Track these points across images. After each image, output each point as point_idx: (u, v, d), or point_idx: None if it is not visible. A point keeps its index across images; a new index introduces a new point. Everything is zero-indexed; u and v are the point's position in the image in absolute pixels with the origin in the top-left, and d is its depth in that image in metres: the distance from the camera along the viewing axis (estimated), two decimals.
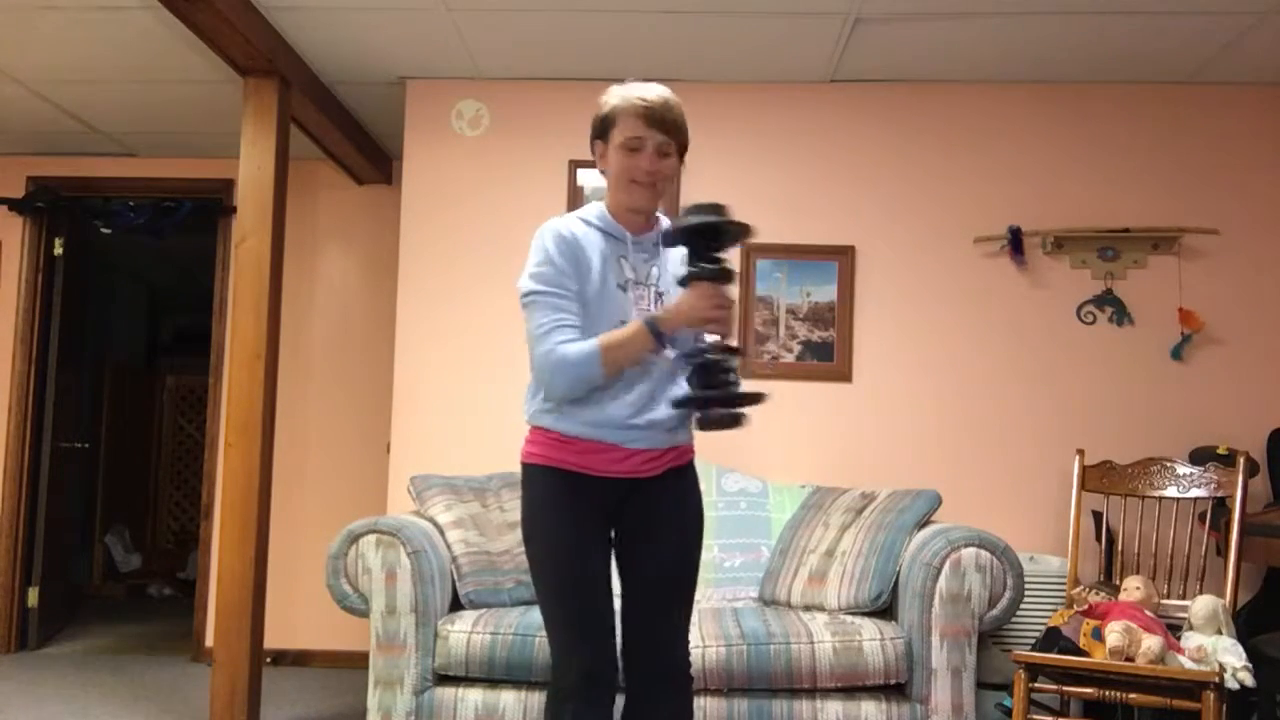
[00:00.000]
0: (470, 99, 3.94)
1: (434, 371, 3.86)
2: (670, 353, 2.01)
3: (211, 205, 4.92)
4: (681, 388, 2.05)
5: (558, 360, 1.96)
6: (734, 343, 1.97)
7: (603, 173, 2.11)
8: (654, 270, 2.11)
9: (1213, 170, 3.75)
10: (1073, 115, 3.81)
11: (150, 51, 3.67)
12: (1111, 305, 3.72)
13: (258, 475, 3.43)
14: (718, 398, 1.89)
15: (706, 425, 1.94)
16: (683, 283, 1.96)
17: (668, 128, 2.02)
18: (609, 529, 2.11)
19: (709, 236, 1.90)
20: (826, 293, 3.79)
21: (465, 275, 3.88)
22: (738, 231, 1.92)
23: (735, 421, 1.90)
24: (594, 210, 2.10)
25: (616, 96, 2.04)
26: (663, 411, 2.05)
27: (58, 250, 4.96)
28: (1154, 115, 3.79)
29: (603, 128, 2.06)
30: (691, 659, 2.15)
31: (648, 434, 2.04)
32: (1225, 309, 3.70)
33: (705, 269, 1.90)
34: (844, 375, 3.76)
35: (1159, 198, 3.76)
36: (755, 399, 1.93)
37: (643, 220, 2.10)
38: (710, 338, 1.94)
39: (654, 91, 2.03)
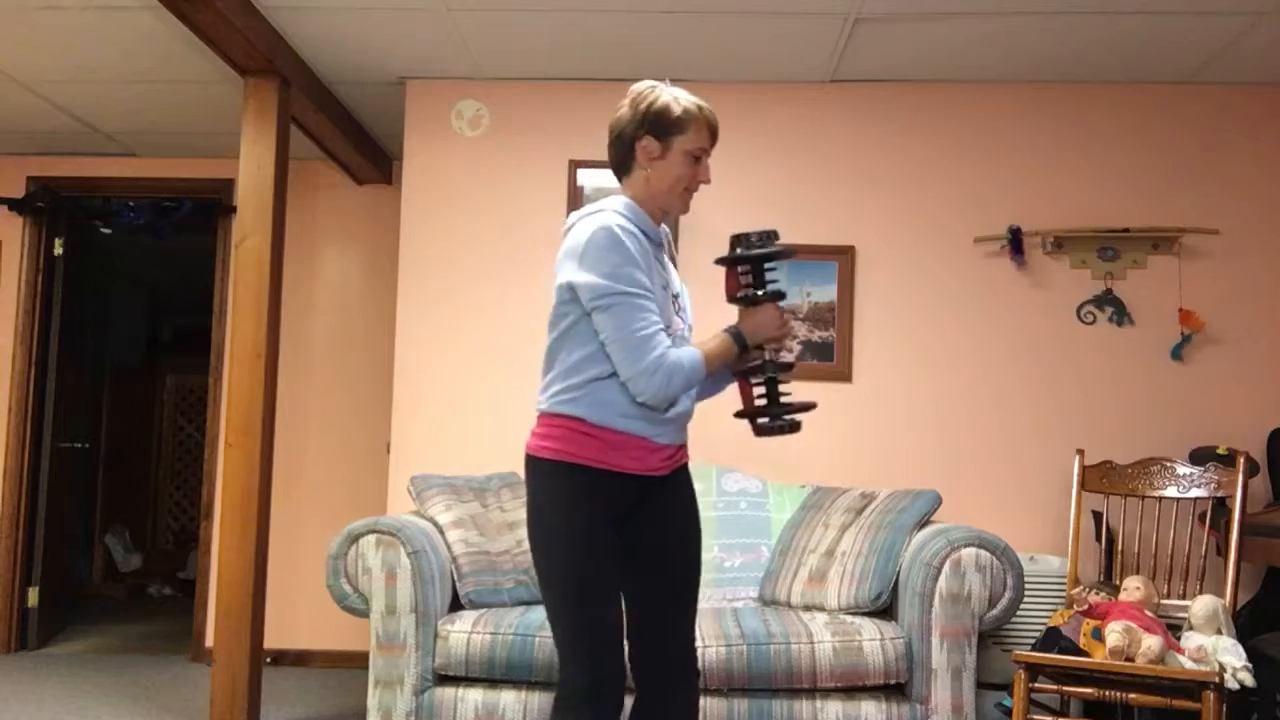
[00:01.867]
0: (470, 99, 3.94)
1: (434, 371, 3.86)
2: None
3: (211, 205, 4.92)
4: (709, 389, 2.19)
5: (672, 366, 1.94)
6: (790, 358, 2.11)
7: (641, 167, 2.05)
8: (672, 274, 2.15)
9: (1213, 170, 3.75)
10: (1073, 115, 3.81)
11: (150, 51, 3.67)
12: (1111, 305, 3.72)
13: (258, 475, 3.43)
14: (786, 408, 2.06)
15: (767, 432, 2.07)
16: (742, 300, 2.09)
17: (716, 143, 2.11)
18: (618, 530, 2.10)
19: (771, 261, 2.07)
20: (826, 293, 3.79)
21: (465, 275, 3.88)
22: (789, 257, 2.12)
23: (796, 428, 2.07)
24: (628, 209, 2.04)
25: (684, 100, 2.03)
26: (685, 404, 2.09)
27: (58, 250, 4.96)
28: (1154, 115, 3.79)
29: (666, 128, 2.02)
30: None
31: (672, 429, 2.07)
32: (1225, 309, 3.70)
33: (772, 291, 2.08)
34: (844, 375, 3.76)
35: (1159, 198, 3.76)
36: (810, 407, 2.08)
37: (659, 223, 2.12)
38: (768, 353, 2.10)
39: (710, 108, 2.08)
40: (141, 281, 7.34)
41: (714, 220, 3.83)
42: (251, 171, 3.50)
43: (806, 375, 3.77)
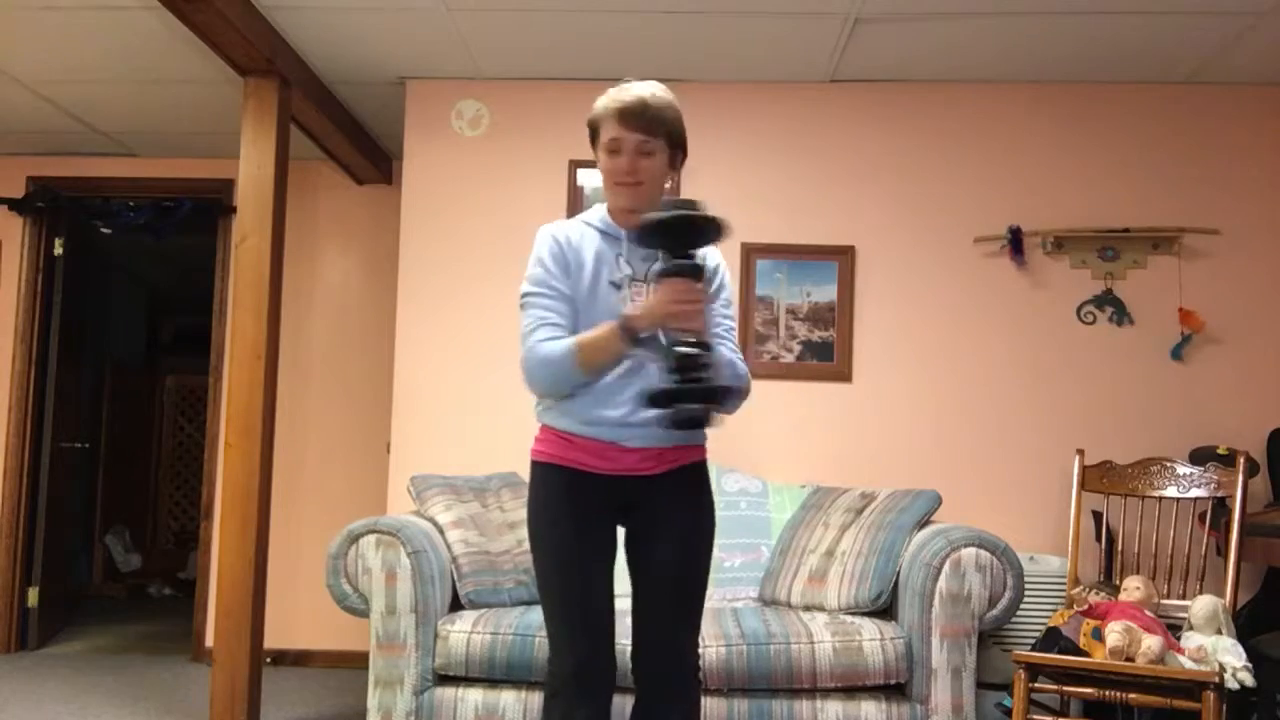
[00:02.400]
0: (470, 99, 3.94)
1: (434, 371, 3.86)
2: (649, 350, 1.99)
3: (211, 205, 4.92)
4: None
5: (537, 358, 2.02)
6: (705, 339, 1.91)
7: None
8: (630, 267, 2.12)
9: (1213, 170, 3.75)
10: (1073, 115, 3.81)
11: (150, 51, 3.67)
12: (1111, 305, 3.72)
13: (258, 475, 3.43)
14: (683, 392, 1.83)
15: (676, 423, 1.87)
16: (658, 279, 1.93)
17: (646, 126, 2.01)
18: (613, 528, 2.11)
19: (680, 233, 1.87)
20: (826, 293, 3.79)
21: (465, 275, 3.88)
22: (710, 227, 1.86)
23: (703, 419, 1.87)
24: (595, 212, 2.16)
25: (600, 101, 2.08)
26: (627, 408, 2.04)
27: (58, 250, 4.95)
28: (1154, 115, 3.79)
29: (593, 132, 2.11)
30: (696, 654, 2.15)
31: (643, 432, 2.03)
32: (1225, 309, 3.70)
33: (675, 265, 1.87)
34: (844, 375, 3.76)
35: (1159, 198, 3.76)
36: (710, 396, 1.86)
37: (638, 219, 2.10)
38: (663, 337, 1.91)
39: (633, 92, 2.02)
40: (141, 281, 7.34)
41: None
42: (251, 171, 3.50)
43: (806, 375, 3.77)
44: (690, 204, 1.86)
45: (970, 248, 3.79)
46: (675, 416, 1.86)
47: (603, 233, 2.11)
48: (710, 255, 2.13)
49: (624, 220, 2.09)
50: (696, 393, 1.84)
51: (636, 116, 2.00)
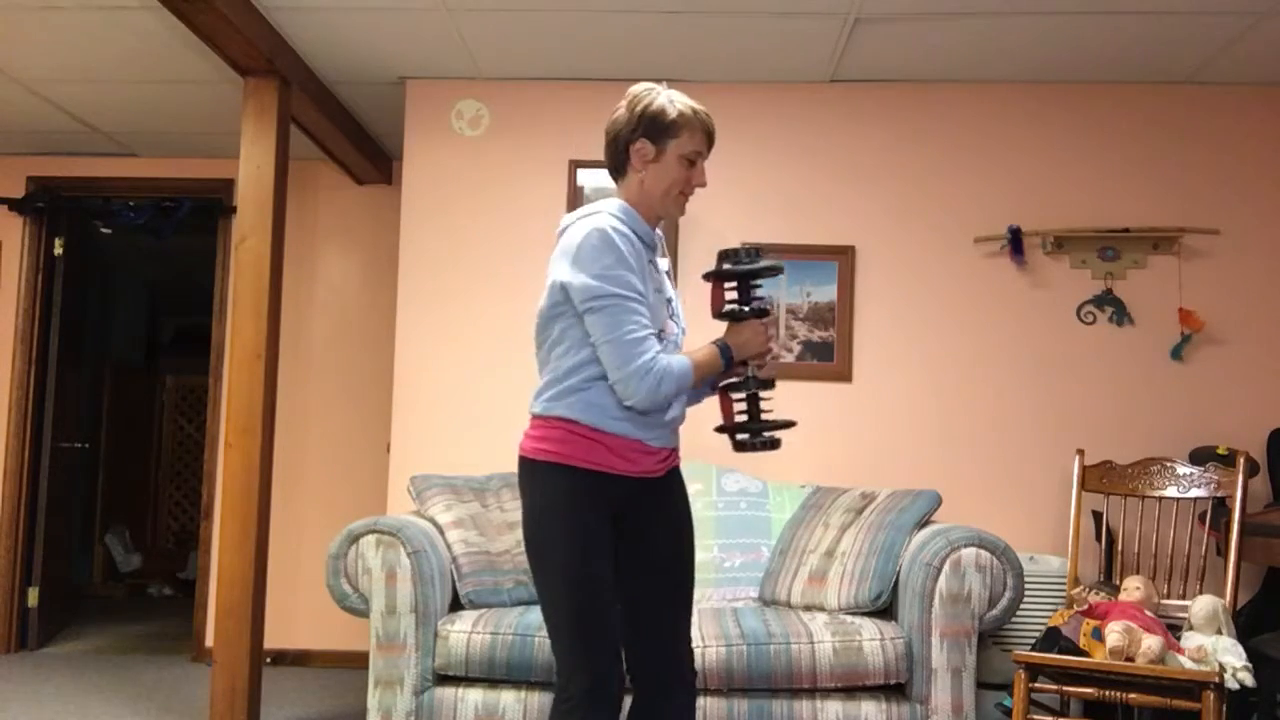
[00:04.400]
0: (470, 99, 3.94)
1: (434, 371, 3.86)
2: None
3: (211, 205, 4.92)
4: (689, 399, 2.17)
5: (662, 371, 1.94)
6: (773, 374, 2.14)
7: (635, 169, 2.06)
8: (665, 278, 2.15)
9: (1213, 170, 3.75)
10: (1073, 115, 3.81)
11: (150, 51, 3.67)
12: (1111, 305, 3.72)
13: (258, 475, 3.43)
14: (767, 425, 2.07)
15: (747, 448, 2.08)
16: (727, 316, 2.10)
17: (713, 146, 2.10)
18: (614, 531, 2.10)
19: (758, 278, 2.08)
20: (826, 293, 3.79)
21: (465, 275, 3.88)
22: (778, 273, 2.11)
23: (776, 445, 2.09)
24: (623, 211, 2.05)
25: (679, 104, 2.03)
26: (677, 409, 2.10)
27: (58, 250, 4.96)
28: (1154, 115, 3.79)
29: (660, 131, 2.02)
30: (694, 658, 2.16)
31: (665, 432, 2.08)
32: (1225, 309, 3.70)
33: (758, 308, 2.09)
34: (844, 375, 3.76)
35: (1159, 198, 3.76)
36: (790, 424, 2.09)
37: (654, 226, 2.12)
38: (751, 369, 2.11)
39: (706, 111, 2.07)
40: (141, 282, 7.34)
41: (714, 222, 3.83)
42: (251, 171, 3.50)
43: (806, 375, 3.77)
44: (761, 251, 2.09)
45: (970, 248, 3.79)
46: (753, 443, 2.08)
47: (640, 236, 2.04)
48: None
49: (651, 224, 2.10)
50: (776, 422, 2.08)
51: (714, 137, 2.09)
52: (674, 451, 2.15)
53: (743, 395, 2.09)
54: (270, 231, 3.50)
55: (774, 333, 2.12)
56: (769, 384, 2.10)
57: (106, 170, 4.93)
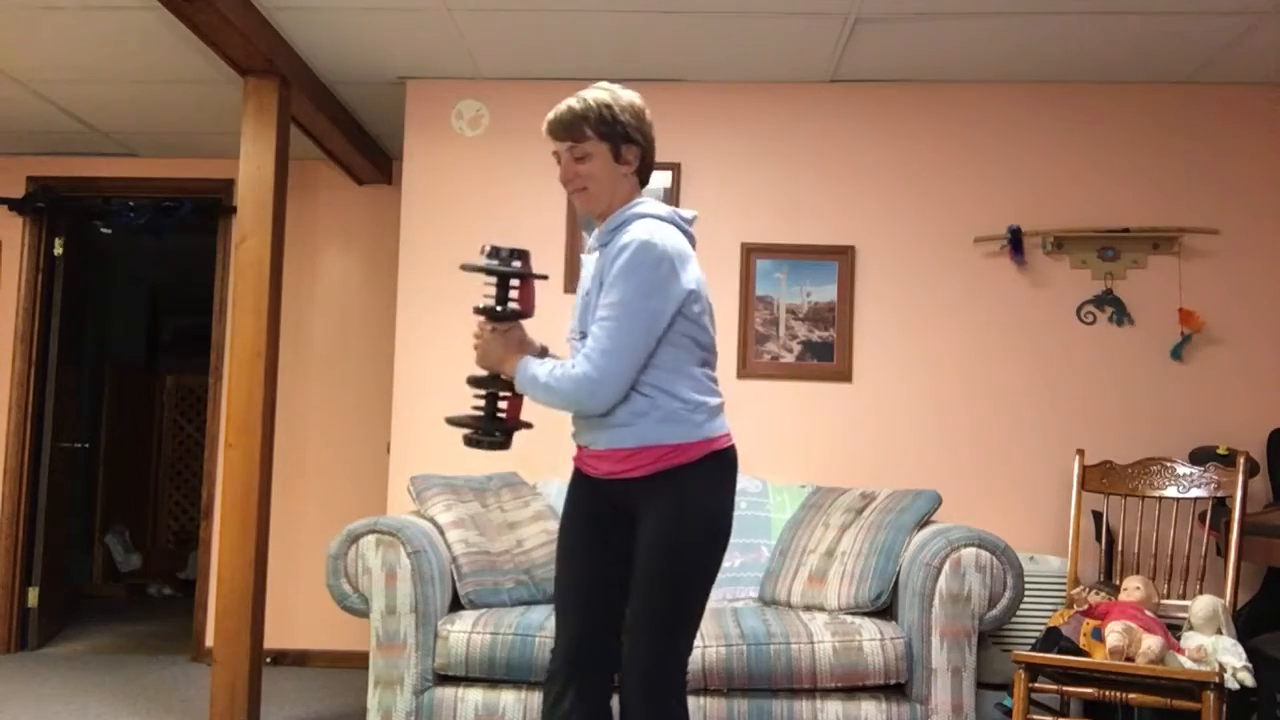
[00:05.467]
0: (470, 99, 3.94)
1: (434, 371, 3.86)
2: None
3: (211, 205, 4.92)
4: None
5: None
6: (483, 373, 2.14)
7: None
8: (585, 274, 2.17)
9: (1213, 170, 3.75)
10: (1073, 115, 3.81)
11: (150, 51, 3.67)
12: (1111, 305, 3.72)
13: (258, 475, 3.43)
14: (498, 425, 2.12)
15: (471, 444, 2.13)
16: (483, 313, 2.12)
17: (564, 134, 2.07)
18: (611, 523, 2.11)
19: (502, 277, 2.10)
20: (826, 293, 3.79)
21: (465, 275, 3.88)
22: (502, 273, 2.09)
23: (504, 446, 2.13)
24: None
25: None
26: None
27: (58, 250, 4.96)
28: (1154, 115, 3.79)
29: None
30: (662, 666, 2.00)
31: (587, 437, 2.12)
32: (1225, 309, 3.70)
33: (512, 311, 2.11)
34: (844, 375, 3.76)
35: (1159, 198, 3.76)
36: (522, 427, 2.15)
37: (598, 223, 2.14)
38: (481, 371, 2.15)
39: (560, 105, 2.09)
40: (141, 281, 7.34)
41: (714, 222, 3.83)
42: (251, 171, 3.50)
43: (806, 375, 3.77)
44: (526, 254, 2.09)
45: (970, 248, 3.79)
46: (480, 438, 2.12)
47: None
48: (632, 231, 2.02)
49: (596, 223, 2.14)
50: (511, 425, 2.14)
51: (555, 127, 2.08)
52: (600, 452, 2.08)
53: (483, 392, 2.13)
54: (270, 231, 3.50)
55: (490, 328, 2.14)
56: (507, 385, 2.10)
57: (106, 170, 4.93)
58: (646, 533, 2.02)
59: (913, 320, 3.78)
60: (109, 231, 5.28)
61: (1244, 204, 3.73)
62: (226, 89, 3.98)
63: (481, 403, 2.13)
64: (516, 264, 2.08)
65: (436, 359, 3.87)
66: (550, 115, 2.10)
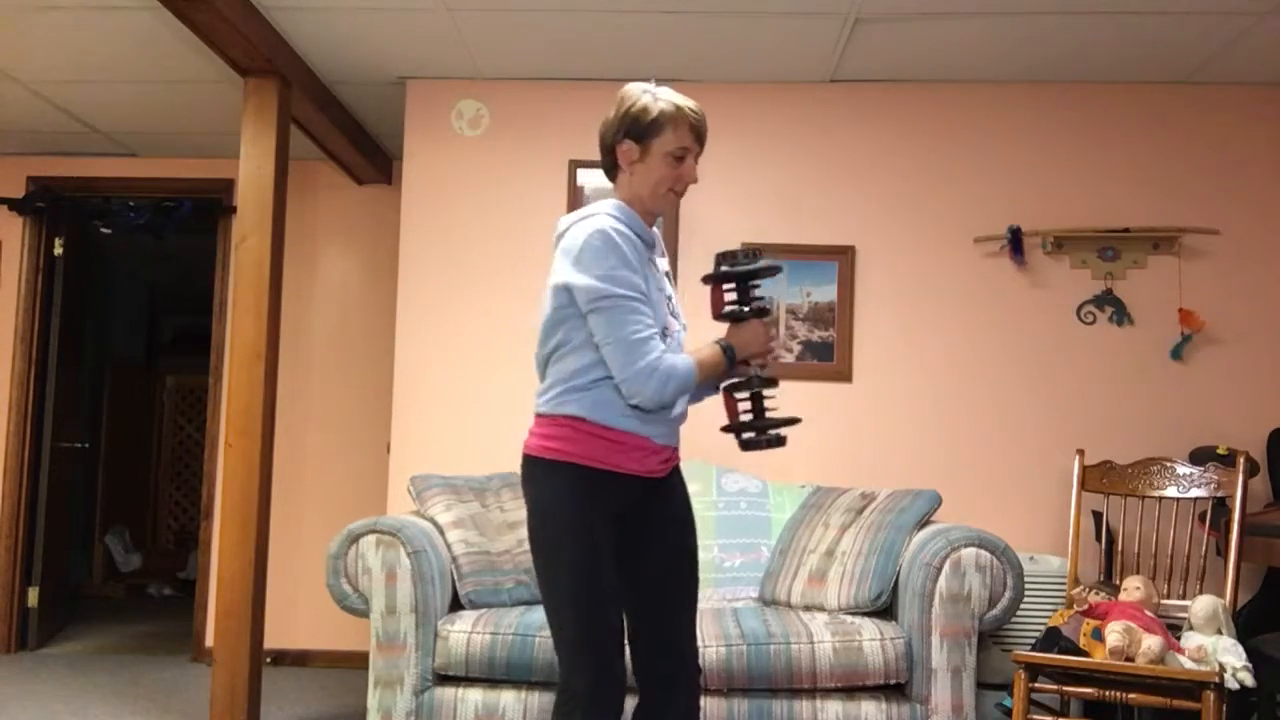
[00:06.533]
0: (470, 99, 3.94)
1: (434, 371, 3.86)
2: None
3: (211, 205, 4.92)
4: (697, 395, 2.18)
5: (667, 370, 1.95)
6: (773, 373, 2.13)
7: (624, 168, 2.07)
8: (665, 276, 2.15)
9: (1213, 170, 3.75)
10: (1073, 115, 3.81)
11: (150, 51, 3.67)
12: (1111, 305, 3.72)
13: (258, 475, 3.43)
14: (771, 423, 2.08)
15: (753, 446, 2.09)
16: (727, 317, 2.10)
17: (704, 141, 2.08)
18: (619, 530, 2.10)
19: (756, 278, 2.09)
20: (826, 293, 3.79)
21: (465, 275, 3.88)
22: (776, 273, 2.12)
23: (782, 443, 2.10)
24: (620, 210, 2.05)
25: (662, 101, 2.02)
26: (681, 407, 2.10)
27: (58, 250, 4.96)
28: (1154, 115, 3.79)
29: (645, 129, 2.02)
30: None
31: (669, 430, 2.09)
32: (1225, 309, 3.70)
33: (758, 308, 2.10)
34: (844, 375, 3.76)
35: (1159, 198, 3.76)
36: (795, 421, 2.10)
37: (650, 225, 2.12)
38: (754, 369, 2.12)
39: (694, 103, 2.06)
40: (141, 282, 7.34)
41: (714, 222, 3.83)
42: (251, 171, 3.50)
43: (806, 375, 3.77)
44: (759, 252, 2.10)
45: (970, 248, 3.79)
46: (757, 441, 2.08)
47: (639, 236, 2.05)
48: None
49: (648, 223, 2.11)
50: (780, 419, 2.09)
51: (704, 131, 2.07)
52: (675, 451, 2.15)
53: (747, 394, 2.10)
54: (270, 231, 3.49)
55: (775, 332, 2.13)
56: (772, 382, 2.10)
57: (106, 170, 4.93)
58: (680, 524, 2.16)
59: (913, 320, 3.78)
60: (109, 231, 5.28)
61: (1244, 204, 3.73)
62: (226, 89, 3.98)
63: (748, 405, 2.11)
64: (760, 261, 2.08)
65: (436, 359, 3.87)
66: (699, 114, 2.06)
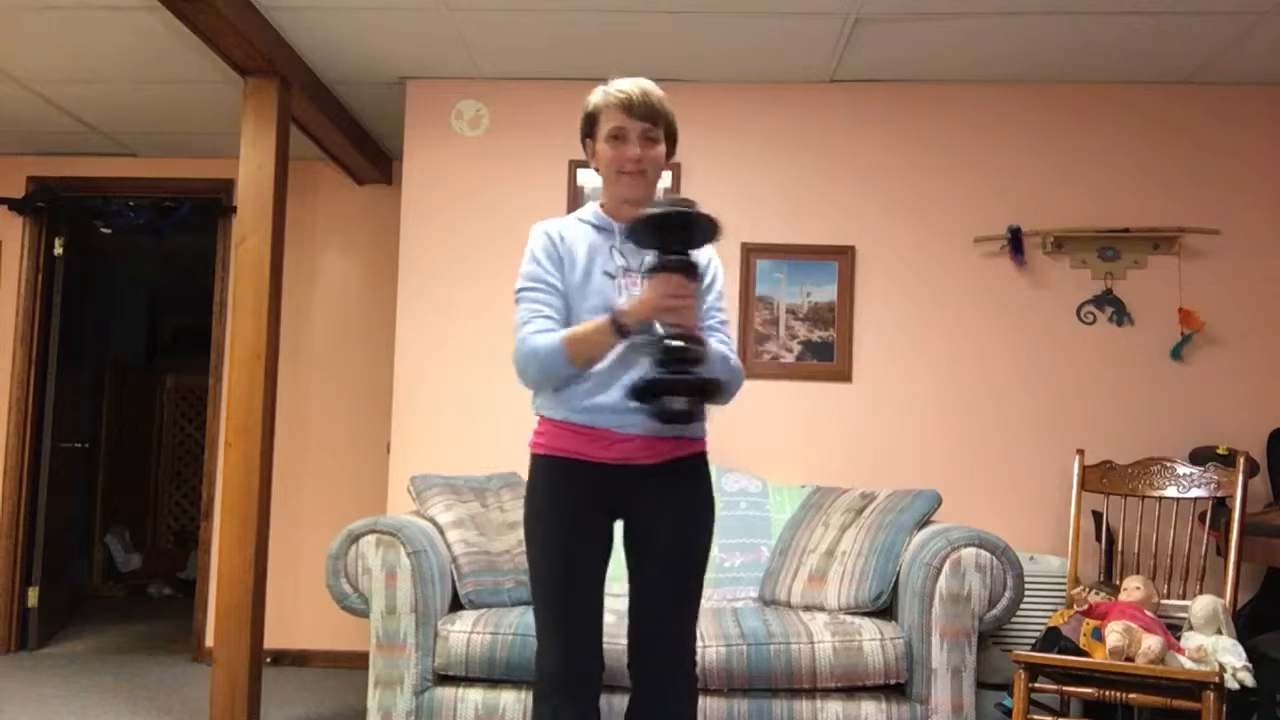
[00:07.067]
0: (470, 99, 3.94)
1: (434, 371, 3.86)
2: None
3: (211, 205, 4.92)
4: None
5: (528, 350, 2.04)
6: (696, 333, 1.91)
7: (596, 170, 2.16)
8: (646, 261, 2.13)
9: (1213, 170, 3.75)
10: (1073, 115, 3.81)
11: (150, 51, 3.67)
12: (1111, 305, 3.72)
13: (258, 475, 3.43)
14: (670, 384, 1.84)
15: (662, 416, 1.88)
16: (650, 275, 1.93)
17: (649, 115, 2.06)
18: (608, 523, 2.10)
19: (676, 230, 1.88)
20: (826, 293, 3.79)
21: (465, 275, 3.88)
22: (706, 226, 1.88)
23: (690, 413, 1.86)
24: (588, 208, 2.18)
25: (598, 94, 2.11)
26: (613, 394, 2.04)
27: (58, 250, 4.96)
28: (1154, 115, 3.79)
29: (589, 125, 2.14)
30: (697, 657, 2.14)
31: (638, 420, 2.01)
32: (1225, 309, 3.70)
33: (668, 261, 1.88)
34: (844, 375, 3.76)
35: (1159, 198, 3.76)
36: (710, 386, 1.89)
37: (634, 211, 2.10)
38: (662, 330, 1.91)
39: (632, 82, 2.08)
40: (141, 281, 7.34)
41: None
42: (251, 171, 3.50)
43: (806, 375, 3.77)
44: (687, 202, 1.89)
45: (970, 248, 3.79)
46: (661, 408, 1.87)
47: (596, 226, 2.14)
48: (703, 249, 2.10)
49: (619, 213, 2.11)
50: (682, 385, 1.85)
51: (641, 105, 2.05)
52: (669, 442, 2.06)
53: (658, 360, 1.87)
54: (270, 231, 3.49)
55: (691, 286, 1.86)
56: (680, 349, 1.83)
57: (106, 170, 4.93)
58: (680, 518, 2.13)
59: (913, 320, 3.78)
60: (109, 231, 5.27)
61: (1244, 204, 3.74)
62: (226, 89, 3.98)
63: (684, 367, 1.84)
64: (663, 208, 1.83)
65: (436, 359, 3.87)
66: (634, 89, 2.04)
